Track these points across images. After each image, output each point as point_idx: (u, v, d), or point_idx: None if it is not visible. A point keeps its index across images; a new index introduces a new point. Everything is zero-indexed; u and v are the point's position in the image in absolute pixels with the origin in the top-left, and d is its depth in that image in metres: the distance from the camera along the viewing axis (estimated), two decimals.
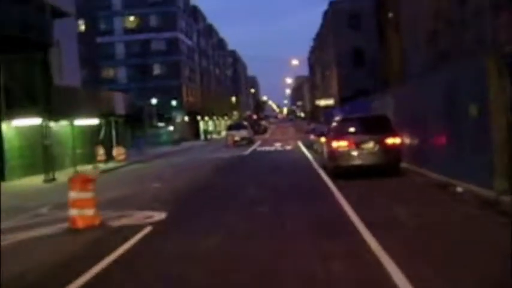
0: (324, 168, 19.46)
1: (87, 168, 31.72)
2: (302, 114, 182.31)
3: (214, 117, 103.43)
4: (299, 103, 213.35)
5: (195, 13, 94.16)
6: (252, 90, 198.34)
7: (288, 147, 41.28)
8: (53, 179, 25.96)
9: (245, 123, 60.95)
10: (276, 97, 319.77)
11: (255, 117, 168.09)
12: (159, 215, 12.28)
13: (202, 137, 76.89)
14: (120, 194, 17.47)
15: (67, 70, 36.56)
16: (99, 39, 75.91)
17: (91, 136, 34.90)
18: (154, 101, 61.59)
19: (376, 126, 17.03)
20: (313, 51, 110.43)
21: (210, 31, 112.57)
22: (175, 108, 73.16)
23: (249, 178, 19.67)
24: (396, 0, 28.07)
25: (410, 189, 13.86)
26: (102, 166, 32.73)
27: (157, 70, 77.17)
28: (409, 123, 18.25)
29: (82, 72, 77.37)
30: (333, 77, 75.00)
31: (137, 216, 12.40)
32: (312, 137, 35.81)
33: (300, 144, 43.54)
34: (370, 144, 16.37)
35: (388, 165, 16.45)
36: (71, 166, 31.46)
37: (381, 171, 16.32)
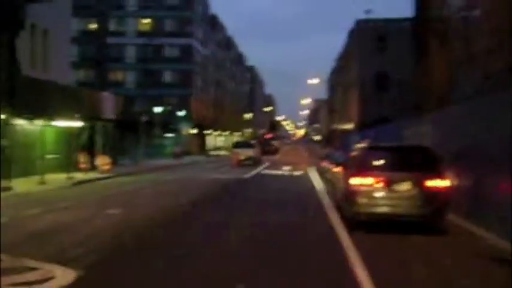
0: (338, 209, 14.55)
1: (59, 177, 27.13)
2: (317, 138, 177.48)
3: (226, 133, 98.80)
4: (316, 125, 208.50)
5: (213, 22, 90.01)
6: (269, 108, 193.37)
7: (297, 173, 36.36)
8: (8, 188, 21.28)
9: (253, 141, 56.12)
10: (292, 117, 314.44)
11: (268, 136, 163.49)
12: (60, 280, 7.46)
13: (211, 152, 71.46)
14: (58, 222, 12.98)
15: (55, 63, 32.18)
16: (109, 40, 71.76)
17: (72, 140, 30.31)
18: (158, 109, 57.02)
19: (415, 161, 12.16)
20: (334, 72, 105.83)
21: (228, 43, 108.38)
22: (182, 118, 68.62)
23: (236, 216, 14.63)
24: (443, 8, 23.39)
25: (461, 262, 9.00)
26: (79, 176, 28.06)
27: (167, 77, 72.87)
28: (457, 157, 13.46)
29: (87, 72, 73.94)
30: (354, 101, 70.23)
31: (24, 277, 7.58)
32: (325, 164, 30.94)
33: (312, 170, 38.67)
34: (407, 185, 11.46)
35: (430, 217, 11.55)
36: (40, 174, 26.97)
37: (417, 225, 11.49)
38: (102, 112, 33.65)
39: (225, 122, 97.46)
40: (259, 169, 40.57)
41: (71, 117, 28.79)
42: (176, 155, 55.09)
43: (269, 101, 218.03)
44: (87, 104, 31.87)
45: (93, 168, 31.63)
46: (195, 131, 72.61)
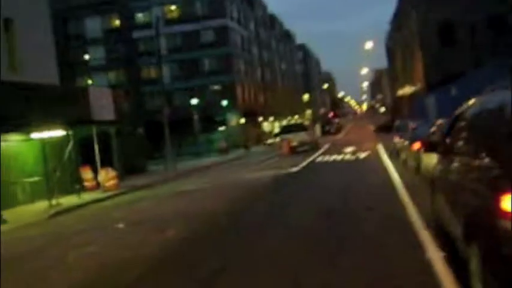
0: (437, 228, 6.67)
1: (38, 206, 20.29)
2: (382, 109, 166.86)
3: (282, 117, 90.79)
4: (379, 96, 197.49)
5: (251, 0, 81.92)
6: (325, 86, 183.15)
7: (362, 155, 28.21)
8: None
9: (306, 123, 48.04)
10: (354, 93, 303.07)
11: (331, 114, 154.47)
12: None
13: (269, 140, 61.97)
14: None
15: (34, 61, 25.17)
16: (136, 34, 65.09)
17: (56, 155, 23.20)
18: (194, 101, 49.80)
19: None
20: (391, 36, 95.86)
21: (272, 22, 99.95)
22: (227, 108, 61.13)
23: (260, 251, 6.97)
24: None
25: None
26: (70, 201, 21.04)
27: (205, 65, 65.38)
28: None
29: (118, 74, 67.53)
30: (417, 61, 60.91)
31: None
32: (397, 139, 22.78)
33: (381, 150, 30.39)
34: None
35: None
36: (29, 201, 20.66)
37: None
38: (93, 113, 26.36)
39: (280, 106, 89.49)
40: (316, 155, 32.70)
41: (53, 126, 21.69)
42: (222, 150, 47.69)
43: (327, 78, 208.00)
44: (73, 104, 24.59)
45: (98, 185, 24.61)
46: (243, 120, 64.90)
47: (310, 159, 30.34)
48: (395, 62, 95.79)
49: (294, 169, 24.41)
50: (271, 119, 79.74)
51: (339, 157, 29.04)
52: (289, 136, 38.37)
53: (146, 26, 65.81)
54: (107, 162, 25.42)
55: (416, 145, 14.64)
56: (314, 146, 39.76)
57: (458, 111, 6.35)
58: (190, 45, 64.60)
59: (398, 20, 78.09)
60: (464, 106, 6.11)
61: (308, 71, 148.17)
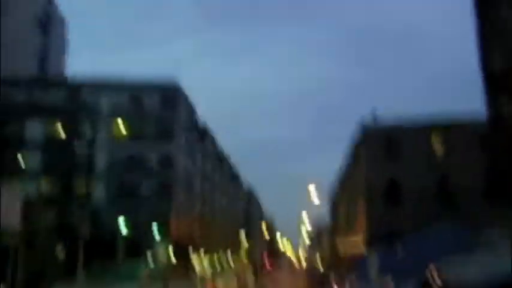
0: None
1: None
2: (321, 269, 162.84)
3: (215, 254, 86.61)
4: (317, 255, 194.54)
5: (203, 134, 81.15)
6: (266, 237, 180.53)
7: None
8: None
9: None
10: (291, 235, 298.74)
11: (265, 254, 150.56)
12: None
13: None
14: None
15: None
16: (77, 149, 62.32)
17: None
18: (124, 231, 46.10)
19: None
20: (336, 190, 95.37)
21: (220, 159, 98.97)
22: (159, 238, 57.31)
23: None
24: None
25: None
26: None
27: (143, 190, 62.26)
28: None
29: (53, 184, 63.51)
30: (361, 217, 59.43)
31: None
32: None
33: None
34: None
35: None
36: None
37: None
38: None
39: (214, 243, 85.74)
40: None
41: None
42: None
43: (269, 225, 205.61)
44: None
45: None
46: (171, 253, 60.88)
47: None
48: (339, 216, 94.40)
49: None
50: (202, 254, 75.72)
51: None
52: None
53: (90, 140, 63.56)
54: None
55: None
56: None
57: None
58: (133, 166, 61.89)
59: (345, 174, 77.74)
60: None
61: (251, 217, 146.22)
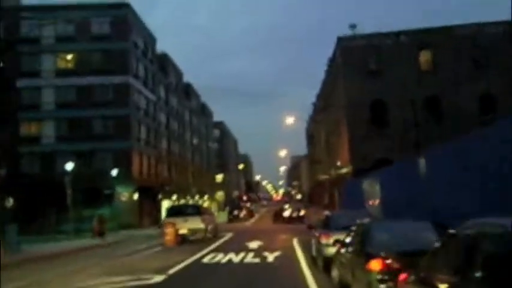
0: None
1: None
2: (299, 196, 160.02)
3: (188, 197, 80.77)
4: (295, 183, 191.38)
5: (162, 61, 73.38)
6: (241, 166, 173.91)
7: (272, 256, 19.31)
8: None
9: (199, 205, 38.50)
10: (271, 178, 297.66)
11: (244, 198, 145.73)
12: None
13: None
14: None
15: None
16: (20, 83, 54.60)
17: None
18: (70, 165, 39.49)
19: None
20: (313, 119, 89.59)
21: (187, 92, 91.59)
22: (118, 180, 50.79)
23: None
24: None
25: None
26: None
27: (98, 127, 55.25)
28: None
29: None
30: (343, 144, 53.64)
31: None
32: (323, 237, 14.22)
33: (296, 246, 21.83)
34: None
35: None
36: None
37: None
38: None
39: (187, 184, 79.71)
40: (207, 250, 23.35)
41: None
42: (96, 233, 36.88)
43: (245, 161, 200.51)
44: None
45: None
46: (136, 196, 54.62)
47: (197, 256, 20.90)
48: (316, 147, 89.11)
49: (158, 278, 14.79)
50: (174, 197, 69.63)
51: (237, 257, 19.69)
52: (177, 221, 28.62)
53: (34, 74, 55.90)
54: None
55: None
56: (210, 235, 30.37)
57: None
58: (83, 102, 54.59)
59: (323, 99, 71.64)
60: None
61: (224, 151, 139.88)
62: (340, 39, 53.02)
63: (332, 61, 59.66)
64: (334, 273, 11.67)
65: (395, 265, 7.92)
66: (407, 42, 51.69)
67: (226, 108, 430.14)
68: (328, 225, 15.38)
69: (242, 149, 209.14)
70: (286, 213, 51.59)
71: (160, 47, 76.26)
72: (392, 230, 9.48)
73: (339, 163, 52.55)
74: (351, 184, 33.41)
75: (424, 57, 51.87)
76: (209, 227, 30.30)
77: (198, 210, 30.67)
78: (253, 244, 25.05)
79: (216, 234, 32.40)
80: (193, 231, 28.93)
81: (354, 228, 11.04)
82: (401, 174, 17.04)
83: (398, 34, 52.03)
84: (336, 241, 11.84)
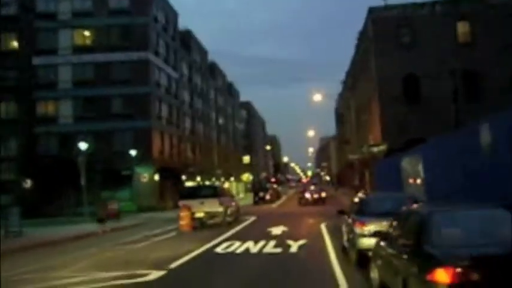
0: None
1: None
2: (327, 178, 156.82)
3: (213, 179, 78.49)
4: (323, 164, 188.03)
5: (185, 38, 70.66)
6: (268, 147, 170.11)
7: (296, 246, 16.73)
8: None
9: (218, 186, 35.60)
10: (299, 161, 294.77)
11: (272, 180, 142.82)
12: None
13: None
14: None
15: None
16: (36, 60, 52.53)
17: None
18: (83, 145, 37.16)
19: None
20: (342, 96, 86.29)
21: (212, 70, 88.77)
22: (137, 160, 48.47)
23: None
24: None
25: None
26: None
27: (116, 106, 52.94)
28: None
29: (8, 107, 54.38)
30: (374, 122, 50.56)
31: None
32: (358, 225, 11.39)
33: (325, 233, 19.31)
34: None
35: None
36: None
37: None
38: None
39: (212, 165, 77.39)
40: (223, 237, 20.80)
41: None
42: (102, 219, 34.16)
43: (272, 142, 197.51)
44: None
45: None
46: (157, 177, 52.27)
47: (210, 244, 18.34)
48: (346, 126, 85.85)
49: (154, 275, 12.16)
50: (198, 178, 67.26)
51: (256, 246, 17.04)
52: (194, 203, 26.05)
53: (50, 51, 53.72)
54: None
55: None
56: (230, 219, 27.76)
57: None
58: (101, 80, 52.27)
59: (352, 76, 68.35)
60: None
61: (251, 132, 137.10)
62: (371, 10, 49.72)
63: (362, 34, 56.36)
64: (374, 274, 8.90)
65: (474, 276, 5.20)
66: (444, 12, 48.12)
67: (255, 91, 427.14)
68: (363, 211, 12.56)
69: (270, 131, 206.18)
70: (307, 195, 50.26)
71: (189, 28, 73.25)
72: (461, 220, 6.65)
73: (370, 142, 49.45)
74: (384, 163, 30.44)
75: (462, 28, 48.37)
76: (229, 210, 27.66)
77: (215, 192, 27.97)
78: (277, 230, 22.44)
79: (237, 218, 29.82)
80: (210, 215, 26.37)
81: (399, 215, 8.25)
82: (452, 148, 14.06)
83: (434, 4, 48.52)
84: (377, 233, 9.07)
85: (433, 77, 45.23)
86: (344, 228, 14.46)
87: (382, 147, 41.46)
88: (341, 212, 15.19)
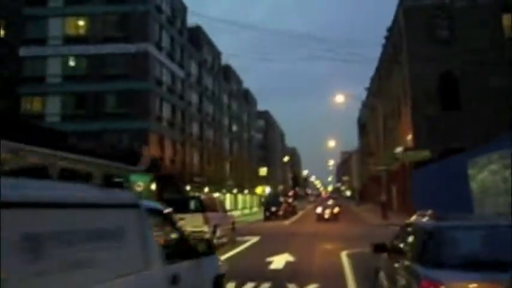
0: None
1: None
2: (348, 193, 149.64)
3: (224, 190, 71.99)
4: (345, 178, 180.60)
5: (195, 35, 64.44)
6: (286, 158, 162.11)
7: None
8: None
9: (205, 197, 28.57)
10: (319, 174, 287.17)
11: (291, 193, 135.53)
12: None
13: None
14: None
15: None
16: (23, 51, 46.62)
17: None
18: None
19: None
20: (366, 104, 79.65)
21: (225, 71, 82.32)
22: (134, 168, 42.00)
23: None
24: None
25: None
26: None
27: (110, 104, 46.83)
28: None
29: None
30: (404, 127, 43.90)
31: None
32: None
33: (347, 269, 12.58)
34: None
35: None
36: None
37: None
38: None
39: (220, 176, 70.90)
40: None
41: None
42: None
43: (292, 154, 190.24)
44: None
45: None
46: (153, 186, 45.84)
47: None
48: (370, 136, 79.05)
49: None
50: (206, 189, 60.70)
51: None
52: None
53: (39, 41, 47.87)
54: None
55: None
56: (224, 241, 21.21)
57: None
58: (94, 74, 46.21)
59: (379, 79, 61.66)
60: None
61: (269, 143, 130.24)
62: (401, 3, 43.37)
63: (391, 30, 49.81)
64: None
65: None
66: (487, 3, 41.55)
67: (276, 105, 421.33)
68: (436, 256, 5.82)
69: (290, 144, 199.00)
70: (319, 210, 46.35)
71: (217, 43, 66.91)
72: None
73: (398, 150, 42.57)
74: (430, 172, 23.55)
75: (509, 21, 41.83)
76: (218, 230, 21.02)
77: (199, 205, 21.31)
78: (278, 261, 15.92)
79: (232, 239, 23.22)
80: (192, 236, 19.77)
81: None
82: None
83: None
84: None
85: (474, 75, 38.78)
86: (385, 278, 7.76)
87: (425, 153, 34.51)
88: (380, 249, 8.30)
